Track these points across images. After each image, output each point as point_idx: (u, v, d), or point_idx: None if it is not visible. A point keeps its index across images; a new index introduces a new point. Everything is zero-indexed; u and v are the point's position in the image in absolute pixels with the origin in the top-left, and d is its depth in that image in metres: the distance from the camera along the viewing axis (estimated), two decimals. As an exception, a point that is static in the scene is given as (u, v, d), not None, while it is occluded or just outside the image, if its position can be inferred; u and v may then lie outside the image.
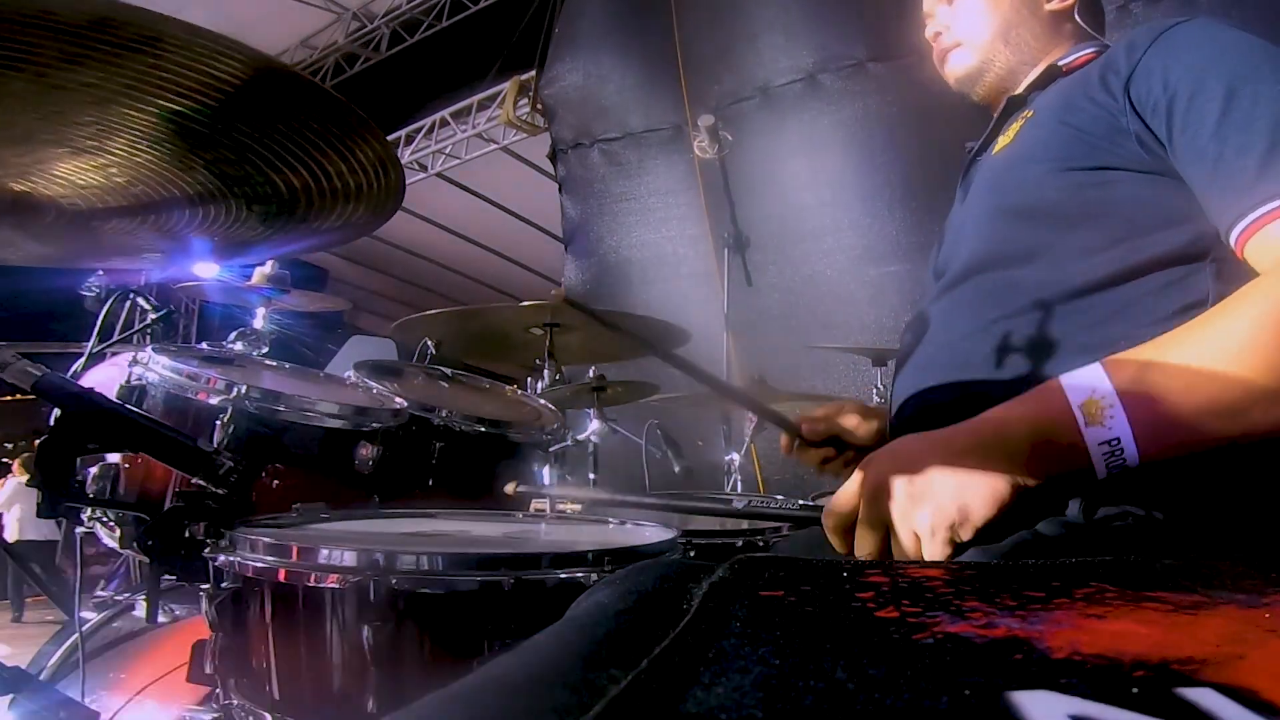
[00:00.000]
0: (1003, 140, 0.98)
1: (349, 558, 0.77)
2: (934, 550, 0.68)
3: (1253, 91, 0.72)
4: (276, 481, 1.18)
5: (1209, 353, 0.66)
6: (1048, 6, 1.02)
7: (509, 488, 1.06)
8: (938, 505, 0.68)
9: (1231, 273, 0.74)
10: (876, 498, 0.71)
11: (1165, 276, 0.78)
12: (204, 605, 0.85)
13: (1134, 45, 0.82)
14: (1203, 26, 0.80)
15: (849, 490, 0.74)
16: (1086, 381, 0.68)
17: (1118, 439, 0.66)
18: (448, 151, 6.12)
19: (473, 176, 6.49)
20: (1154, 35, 0.81)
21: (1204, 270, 0.78)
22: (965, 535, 0.68)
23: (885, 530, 0.71)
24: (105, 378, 1.31)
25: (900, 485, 0.70)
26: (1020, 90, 1.03)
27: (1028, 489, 0.69)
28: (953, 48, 1.07)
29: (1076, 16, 1.03)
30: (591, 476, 2.06)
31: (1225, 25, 0.80)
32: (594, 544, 0.85)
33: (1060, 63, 1.00)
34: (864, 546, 0.73)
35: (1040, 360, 0.80)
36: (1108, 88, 0.82)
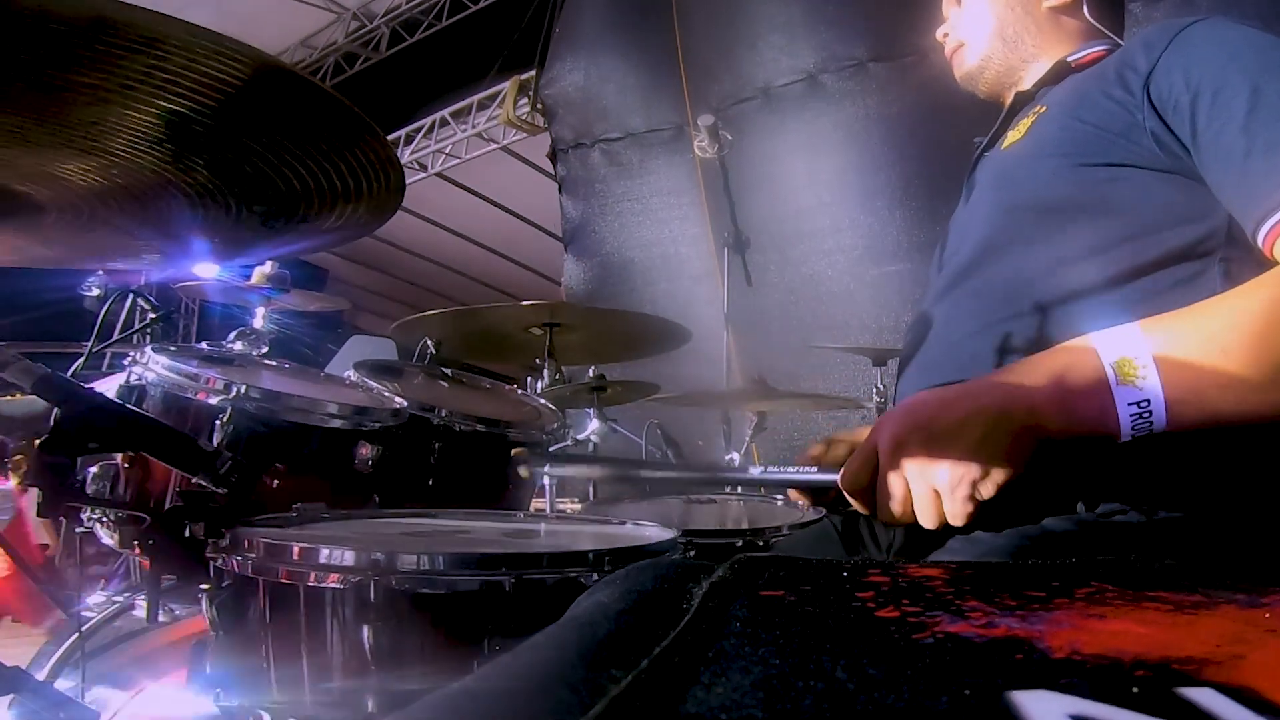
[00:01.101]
0: (1012, 135, 0.98)
1: (349, 558, 0.77)
2: (954, 508, 0.67)
3: (1277, 89, 0.72)
4: (276, 481, 1.18)
5: (1244, 325, 0.66)
6: (1046, 4, 1.03)
7: (516, 455, 1.02)
8: (958, 460, 0.66)
9: (1240, 271, 0.74)
10: (895, 455, 0.69)
11: (1174, 274, 0.78)
12: (204, 605, 0.85)
13: (1151, 43, 0.82)
14: (1220, 25, 0.80)
15: (865, 449, 0.72)
16: (1121, 339, 0.67)
17: (1148, 400, 0.65)
18: (448, 151, 6.11)
19: (473, 176, 6.48)
20: (1172, 33, 0.81)
21: (1213, 269, 0.77)
22: (987, 492, 0.67)
23: (907, 489, 0.69)
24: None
25: (918, 440, 0.68)
26: (1029, 86, 1.03)
27: (1051, 446, 0.68)
28: (958, 48, 1.10)
29: (1086, 13, 1.03)
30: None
31: (1241, 24, 0.80)
32: (594, 544, 0.85)
33: (1070, 59, 1.00)
34: (890, 504, 0.70)
35: None
36: (1125, 84, 0.82)
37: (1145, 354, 0.66)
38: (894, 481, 0.70)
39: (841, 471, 0.74)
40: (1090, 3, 1.03)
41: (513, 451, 1.04)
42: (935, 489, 0.68)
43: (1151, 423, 0.66)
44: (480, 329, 2.17)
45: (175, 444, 0.91)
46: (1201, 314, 0.68)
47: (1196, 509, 0.73)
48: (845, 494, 0.74)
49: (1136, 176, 0.81)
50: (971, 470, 0.66)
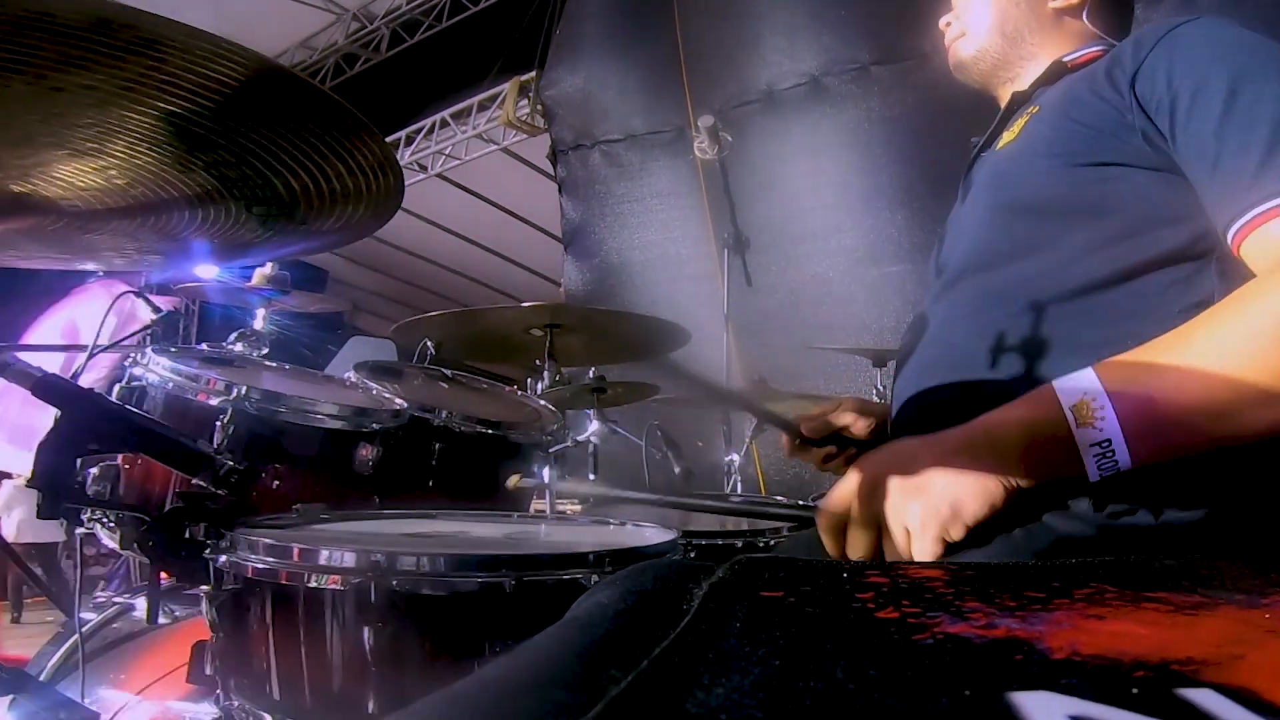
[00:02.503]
0: (1007, 136, 0.98)
1: (349, 559, 0.77)
2: (924, 547, 0.69)
3: (1255, 90, 0.73)
4: (276, 482, 1.18)
5: (1201, 356, 0.66)
6: (1051, 4, 1.03)
7: (511, 480, 1.07)
8: (929, 501, 0.69)
9: (1235, 271, 0.74)
10: (871, 494, 0.72)
11: (1170, 275, 0.78)
12: (204, 606, 0.85)
13: (1140, 43, 0.83)
14: (1209, 25, 0.81)
15: (844, 488, 0.76)
16: (1078, 384, 0.69)
17: (1108, 440, 0.67)
18: (448, 152, 6.10)
19: (473, 177, 6.47)
20: (1161, 33, 0.81)
21: (1209, 268, 0.77)
22: (956, 534, 0.69)
23: (878, 530, 0.73)
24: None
25: (894, 481, 0.71)
26: (1025, 87, 1.03)
27: (1020, 491, 0.70)
28: (958, 37, 1.10)
29: (1085, 18, 1.03)
30: (591, 477, 2.06)
31: (1231, 24, 0.81)
32: (594, 545, 0.85)
33: (1066, 59, 1.00)
34: (857, 545, 0.74)
35: (1043, 360, 0.80)
36: (1114, 84, 0.83)
37: (1101, 395, 0.67)
38: (868, 523, 0.73)
39: (818, 511, 0.78)
40: (1091, 8, 1.03)
41: (508, 482, 1.06)
42: (906, 528, 0.70)
43: (1116, 462, 0.67)
44: (480, 330, 2.16)
45: (175, 445, 0.91)
46: (1158, 350, 0.69)
47: (1205, 509, 0.73)
48: (820, 534, 0.78)
49: (1129, 176, 0.81)
50: (941, 511, 0.69)
